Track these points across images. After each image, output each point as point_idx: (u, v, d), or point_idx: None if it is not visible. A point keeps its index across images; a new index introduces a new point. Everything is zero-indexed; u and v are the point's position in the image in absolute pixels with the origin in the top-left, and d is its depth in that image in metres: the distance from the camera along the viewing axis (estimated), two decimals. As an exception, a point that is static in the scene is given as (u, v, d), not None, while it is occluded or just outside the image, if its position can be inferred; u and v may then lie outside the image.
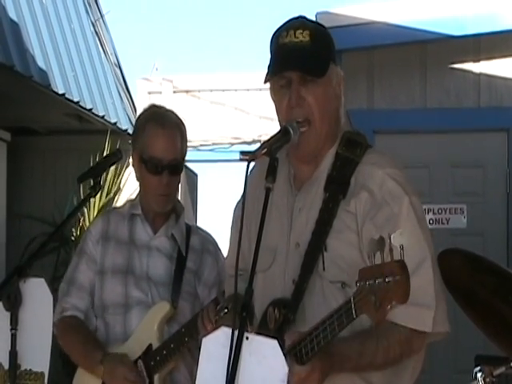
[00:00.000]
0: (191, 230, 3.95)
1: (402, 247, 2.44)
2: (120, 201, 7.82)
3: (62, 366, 6.45)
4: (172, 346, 3.63)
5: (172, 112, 3.91)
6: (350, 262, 2.91)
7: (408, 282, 2.43)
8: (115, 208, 4.14)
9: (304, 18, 3.04)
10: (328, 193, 2.97)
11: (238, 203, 3.23)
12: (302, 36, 2.94)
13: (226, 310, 3.23)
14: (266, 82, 3.01)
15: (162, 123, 3.78)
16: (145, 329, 3.73)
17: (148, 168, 3.76)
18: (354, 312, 2.57)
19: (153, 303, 3.77)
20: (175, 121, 3.83)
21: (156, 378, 3.67)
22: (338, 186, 2.97)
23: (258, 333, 2.87)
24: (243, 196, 2.90)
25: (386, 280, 2.43)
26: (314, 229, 2.97)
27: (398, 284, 2.43)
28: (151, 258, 3.83)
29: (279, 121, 3.01)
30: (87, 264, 3.87)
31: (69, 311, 3.85)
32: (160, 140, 3.76)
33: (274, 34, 3.01)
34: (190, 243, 3.89)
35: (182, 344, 3.59)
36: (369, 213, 2.91)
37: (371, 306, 2.48)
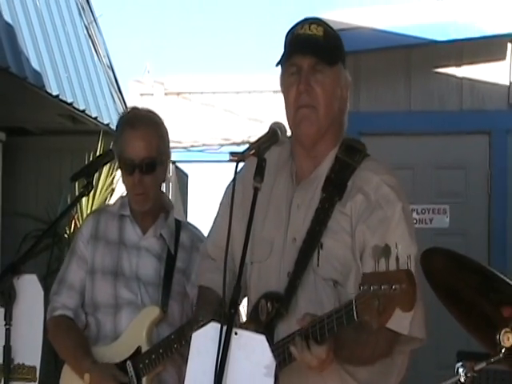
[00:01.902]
0: (181, 226, 3.92)
1: (409, 257, 2.46)
2: (112, 200, 7.80)
3: (53, 360, 6.46)
4: (161, 351, 3.62)
5: (150, 113, 3.91)
6: (343, 261, 2.94)
7: (415, 292, 2.46)
8: (107, 206, 4.14)
9: (321, 19, 3.10)
10: (325, 193, 3.01)
11: (227, 187, 3.24)
12: (316, 30, 3.01)
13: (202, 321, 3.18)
14: (278, 64, 3.06)
15: (133, 125, 3.79)
16: (134, 331, 3.72)
17: (122, 168, 3.79)
18: (355, 314, 2.58)
19: (142, 304, 3.76)
20: (150, 121, 3.83)
21: (144, 379, 3.66)
22: (335, 188, 3.00)
23: (247, 328, 2.87)
24: (232, 193, 2.90)
25: (393, 287, 2.44)
26: (309, 226, 2.99)
27: (404, 292, 2.44)
28: (140, 258, 3.82)
29: (286, 106, 3.05)
30: (77, 264, 3.86)
31: (59, 310, 3.84)
32: (131, 141, 3.76)
33: (289, 30, 3.07)
34: (180, 240, 3.87)
35: (170, 350, 3.58)
36: (362, 215, 2.94)
37: (374, 311, 2.49)
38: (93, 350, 3.75)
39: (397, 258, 2.46)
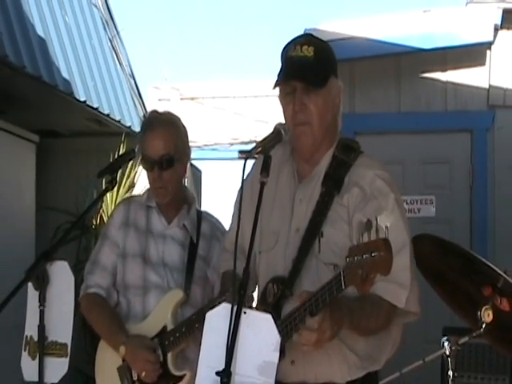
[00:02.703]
0: (202, 216, 3.92)
1: (386, 227, 2.46)
2: (134, 193, 7.80)
3: (84, 335, 6.47)
4: (183, 329, 3.63)
5: (169, 114, 3.90)
6: (341, 247, 2.94)
7: (391, 257, 2.45)
8: (135, 196, 4.11)
9: (311, 35, 3.08)
10: (325, 188, 3.02)
11: (240, 187, 3.25)
12: (307, 51, 2.98)
13: (227, 294, 3.22)
14: (274, 87, 3.04)
15: (152, 127, 3.80)
16: (160, 312, 3.72)
17: (144, 166, 3.80)
18: (343, 284, 2.59)
19: (168, 287, 3.76)
20: (167, 122, 3.81)
21: (169, 355, 3.68)
22: (333, 183, 3.01)
23: (255, 308, 2.88)
24: (241, 188, 2.93)
25: (372, 255, 2.45)
26: (311, 217, 2.99)
27: (382, 258, 2.45)
28: (166, 245, 3.82)
29: (285, 121, 3.04)
30: (109, 247, 3.86)
31: (92, 288, 3.84)
32: (151, 141, 3.77)
33: (284, 48, 3.05)
34: (201, 230, 3.87)
35: (192, 328, 3.58)
36: (359, 205, 2.96)
37: (358, 279, 2.50)
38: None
39: (376, 230, 2.47)
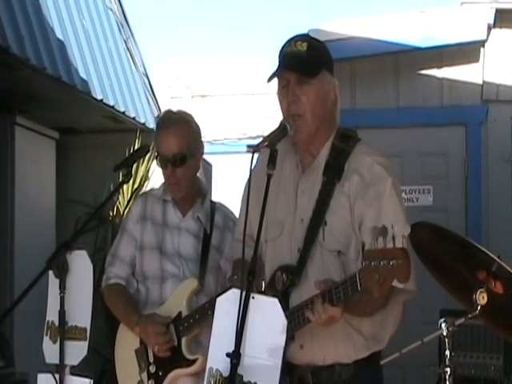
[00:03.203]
0: (216, 207, 3.90)
1: (403, 236, 2.47)
2: (148, 187, 7.80)
3: (105, 322, 6.48)
4: (197, 316, 3.63)
5: (182, 113, 3.86)
6: (344, 234, 2.94)
7: (409, 267, 2.47)
8: (152, 190, 4.08)
9: (307, 34, 3.11)
10: (326, 177, 3.01)
11: (247, 182, 3.24)
12: (301, 46, 2.99)
13: (235, 277, 3.22)
14: (269, 81, 3.03)
15: (165, 126, 3.78)
16: (176, 299, 3.73)
17: (158, 163, 3.78)
18: (358, 285, 2.59)
19: (184, 276, 3.76)
20: (180, 121, 3.79)
21: (183, 340, 3.68)
22: (334, 172, 3.01)
23: (262, 293, 2.88)
24: (249, 180, 2.93)
25: (391, 263, 2.45)
26: (314, 207, 2.98)
27: (400, 267, 2.46)
28: (181, 237, 3.81)
29: (282, 114, 3.03)
30: (128, 240, 3.87)
31: (112, 279, 3.86)
32: (163, 139, 3.75)
33: (282, 47, 3.05)
34: (215, 221, 3.86)
35: (205, 315, 3.58)
36: (359, 192, 2.95)
37: (375, 282, 2.50)
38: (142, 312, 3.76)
39: (393, 237, 2.47)
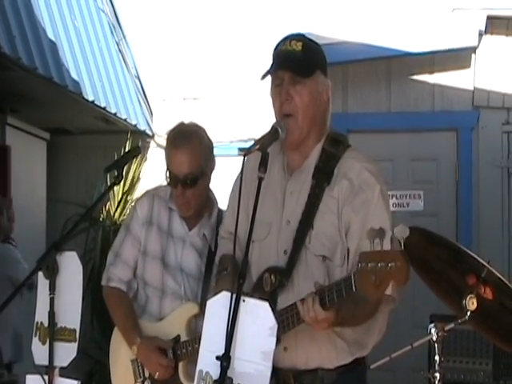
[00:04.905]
0: (222, 218, 3.71)
1: (402, 239, 2.46)
2: (139, 189, 7.79)
3: (91, 323, 6.45)
4: (197, 346, 3.55)
5: (192, 127, 3.72)
6: (330, 239, 2.93)
7: (408, 269, 2.46)
8: (160, 189, 3.84)
9: (302, 34, 3.08)
10: (315, 180, 2.99)
11: (236, 178, 3.22)
12: (296, 46, 2.98)
13: (225, 272, 3.18)
14: (262, 78, 3.03)
15: (175, 144, 3.63)
16: (176, 321, 3.64)
17: (169, 181, 3.66)
18: (353, 287, 2.58)
19: (185, 294, 3.68)
20: (191, 138, 3.64)
21: (180, 364, 3.59)
22: (323, 175, 2.99)
23: (253, 296, 2.87)
24: (240, 182, 2.90)
25: (389, 265, 2.44)
26: (303, 209, 2.97)
27: (399, 269, 2.45)
28: (185, 251, 3.71)
29: (274, 113, 3.03)
30: (132, 243, 3.75)
31: (114, 282, 3.76)
32: (173, 159, 3.63)
33: (275, 46, 3.04)
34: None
35: None
36: (348, 198, 2.94)
37: (371, 284, 2.49)
38: (139, 321, 3.70)
39: (391, 240, 2.46)
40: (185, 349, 3.57)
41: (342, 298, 2.66)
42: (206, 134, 3.72)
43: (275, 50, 3.03)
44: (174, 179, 3.62)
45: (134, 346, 3.61)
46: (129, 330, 3.67)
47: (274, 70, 2.99)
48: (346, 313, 2.77)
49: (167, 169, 3.66)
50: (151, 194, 3.84)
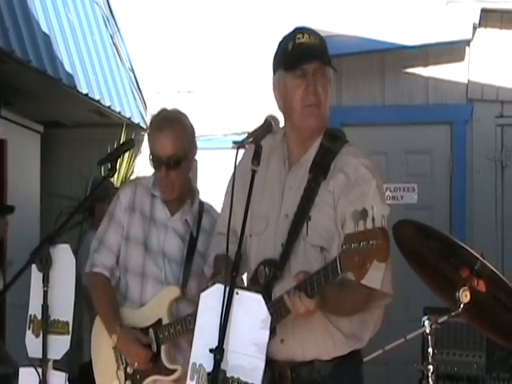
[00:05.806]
0: (204, 209, 3.84)
1: (383, 216, 2.46)
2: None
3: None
4: (178, 328, 3.59)
5: (175, 113, 3.80)
6: (327, 230, 2.95)
7: (388, 245, 2.46)
8: (142, 179, 3.96)
9: (311, 28, 3.10)
10: (312, 174, 3.01)
11: (231, 175, 3.23)
12: (315, 39, 3.03)
13: (220, 276, 3.19)
14: (288, 70, 3.01)
15: (159, 126, 3.71)
16: (157, 304, 3.68)
17: (152, 164, 3.72)
18: (339, 269, 2.59)
19: (166, 279, 3.72)
20: (175, 122, 3.72)
21: (163, 348, 3.64)
22: (320, 170, 3.01)
23: (246, 288, 2.87)
24: (233, 175, 2.93)
25: (370, 243, 2.44)
26: (299, 203, 2.98)
27: (379, 246, 2.44)
28: (167, 236, 3.76)
29: (291, 103, 3.02)
30: (115, 229, 3.80)
31: (98, 268, 3.80)
32: (158, 141, 3.70)
33: (285, 38, 3.06)
34: (202, 224, 3.80)
35: (186, 328, 3.54)
36: (343, 191, 2.95)
37: (355, 265, 2.50)
38: (121, 309, 3.74)
39: (373, 219, 2.46)
40: (167, 332, 3.61)
41: (329, 282, 2.66)
42: (189, 120, 3.80)
43: (293, 41, 3.02)
44: (157, 161, 3.69)
45: (114, 334, 3.63)
46: (110, 318, 3.70)
47: (298, 62, 2.99)
48: (330, 294, 2.79)
49: (150, 152, 3.72)
50: (133, 182, 3.95)
